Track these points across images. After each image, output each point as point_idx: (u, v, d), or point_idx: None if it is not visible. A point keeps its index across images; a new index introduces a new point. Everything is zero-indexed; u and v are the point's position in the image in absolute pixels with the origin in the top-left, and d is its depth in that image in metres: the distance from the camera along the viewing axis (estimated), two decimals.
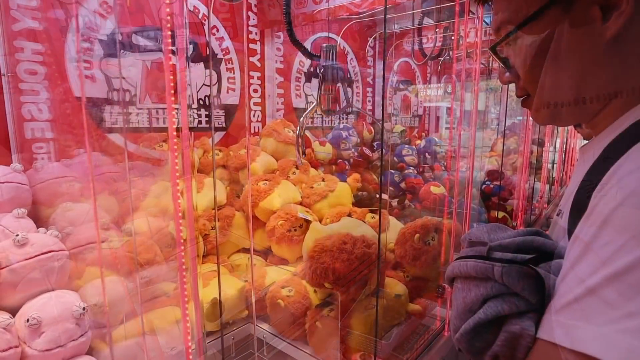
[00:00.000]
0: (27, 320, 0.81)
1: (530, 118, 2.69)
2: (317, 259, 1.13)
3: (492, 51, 0.60)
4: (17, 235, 0.89)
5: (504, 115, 2.66)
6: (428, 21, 2.32)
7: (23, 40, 1.31)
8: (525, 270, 0.50)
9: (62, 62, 1.42)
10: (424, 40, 2.58)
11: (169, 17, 0.67)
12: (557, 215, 0.63)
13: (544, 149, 3.24)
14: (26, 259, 0.87)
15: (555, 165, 3.73)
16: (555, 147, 3.64)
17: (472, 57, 1.72)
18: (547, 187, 3.53)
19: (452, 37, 2.35)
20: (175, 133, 0.71)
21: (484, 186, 2.30)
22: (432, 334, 1.42)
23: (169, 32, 0.67)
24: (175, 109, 0.70)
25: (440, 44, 2.50)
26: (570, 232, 0.51)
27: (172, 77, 0.68)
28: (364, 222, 1.50)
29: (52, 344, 0.82)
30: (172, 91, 0.68)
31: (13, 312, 0.87)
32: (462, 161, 1.79)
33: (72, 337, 0.85)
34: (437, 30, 2.30)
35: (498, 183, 2.31)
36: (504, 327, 0.51)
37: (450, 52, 2.46)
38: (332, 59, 1.17)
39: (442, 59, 2.49)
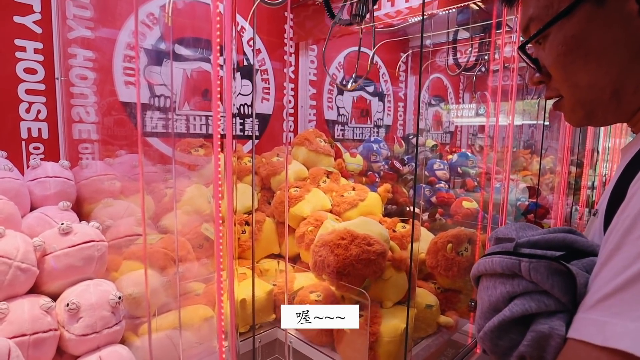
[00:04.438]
0: (67, 305, 0.84)
1: (565, 139, 2.62)
2: (316, 252, 1.19)
3: (520, 51, 0.58)
4: (62, 224, 0.93)
5: (540, 134, 2.59)
6: (463, 34, 2.32)
7: (76, 47, 1.40)
8: (555, 267, 0.47)
9: (110, 69, 1.51)
10: (458, 55, 2.57)
11: (218, 33, 0.71)
12: (593, 215, 0.60)
13: (582, 171, 3.11)
14: (69, 247, 0.91)
15: (595, 190, 3.55)
16: (595, 171, 3.49)
17: (508, 72, 1.70)
18: (587, 210, 3.36)
19: (488, 51, 2.33)
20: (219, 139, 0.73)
21: (519, 203, 2.23)
22: (464, 350, 1.36)
23: (218, 47, 0.71)
24: (221, 117, 0.73)
25: (474, 58, 2.48)
26: (606, 228, 0.48)
27: (219, 88, 0.71)
28: (394, 230, 1.48)
29: (88, 330, 0.84)
30: (219, 101, 0.71)
31: (54, 298, 0.90)
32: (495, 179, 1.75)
33: (108, 325, 0.88)
34: (472, 43, 2.28)
35: (534, 200, 2.23)
36: (532, 326, 0.48)
37: (485, 65, 2.43)
38: None
39: (476, 71, 2.47)
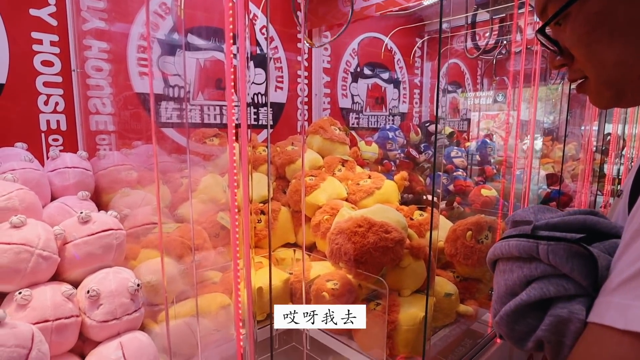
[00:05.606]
0: (88, 292, 0.85)
1: (591, 127, 2.52)
2: (333, 240, 1.18)
3: (540, 34, 0.55)
4: (81, 212, 0.94)
5: (564, 120, 2.51)
6: (482, 16, 2.24)
7: (91, 39, 1.41)
8: (575, 249, 0.45)
9: (125, 60, 1.52)
10: (477, 38, 2.48)
11: (231, 19, 0.69)
12: (618, 196, 0.57)
13: (607, 158, 3.01)
14: (89, 235, 0.92)
15: (620, 178, 3.43)
16: (621, 159, 3.37)
17: (530, 56, 1.63)
18: (612, 199, 3.26)
19: (509, 33, 2.25)
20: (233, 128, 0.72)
21: (540, 190, 2.17)
22: (484, 340, 1.34)
23: (231, 34, 0.69)
24: (235, 106, 0.72)
25: (493, 42, 2.40)
26: (630, 208, 0.45)
27: (232, 76, 0.70)
28: (412, 218, 1.46)
29: (108, 316, 0.86)
30: (233, 90, 0.70)
31: (75, 285, 0.91)
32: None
33: (127, 312, 0.89)
34: (492, 26, 2.21)
35: (557, 188, 2.17)
36: (550, 310, 0.46)
37: (507, 47, 2.35)
38: None
39: (496, 54, 2.38)
